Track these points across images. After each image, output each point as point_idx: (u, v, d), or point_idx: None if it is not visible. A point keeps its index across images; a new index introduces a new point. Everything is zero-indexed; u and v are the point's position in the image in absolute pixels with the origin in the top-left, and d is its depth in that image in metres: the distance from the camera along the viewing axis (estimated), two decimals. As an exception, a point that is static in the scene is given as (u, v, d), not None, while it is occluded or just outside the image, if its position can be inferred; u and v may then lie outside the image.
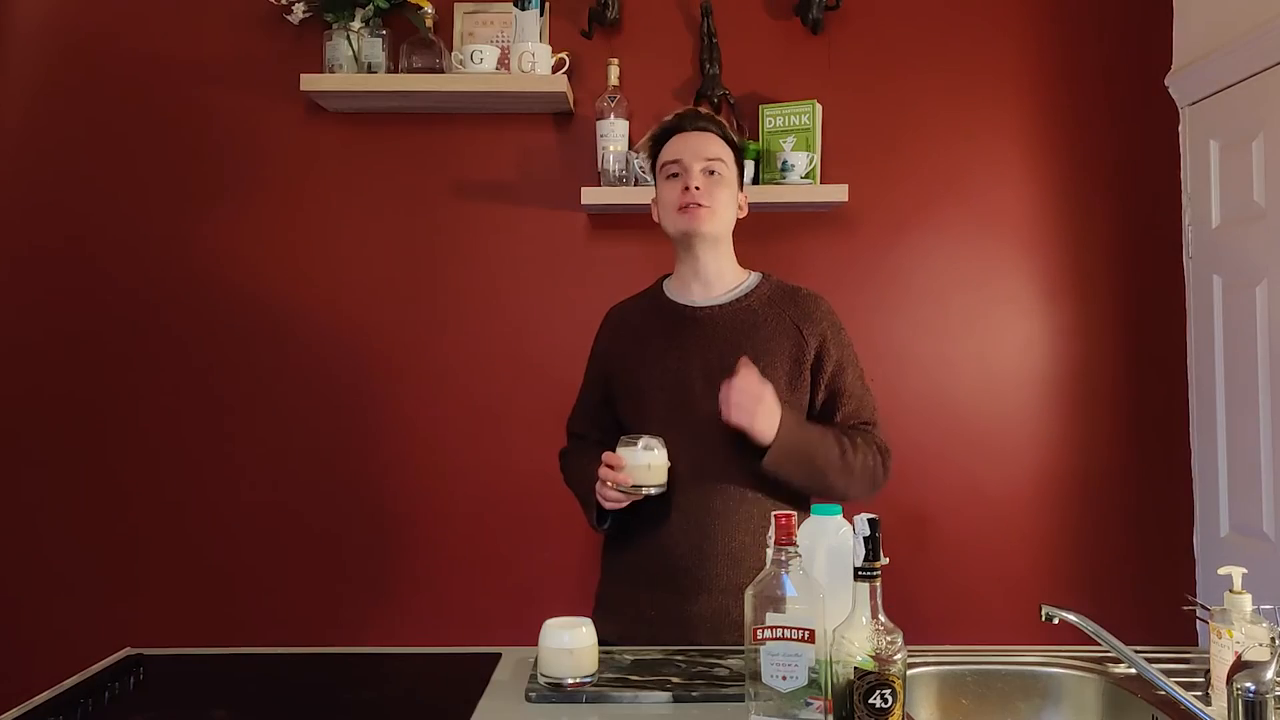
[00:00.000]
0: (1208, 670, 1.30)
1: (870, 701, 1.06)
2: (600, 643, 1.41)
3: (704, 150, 1.71)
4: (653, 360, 1.74)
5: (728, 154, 1.75)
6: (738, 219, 1.78)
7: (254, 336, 2.60)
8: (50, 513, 2.58)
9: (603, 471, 1.61)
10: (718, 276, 1.76)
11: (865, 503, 1.69)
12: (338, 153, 2.61)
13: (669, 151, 1.75)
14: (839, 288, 2.58)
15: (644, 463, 1.59)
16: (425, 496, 2.58)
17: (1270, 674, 1.03)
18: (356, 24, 2.51)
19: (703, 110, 1.79)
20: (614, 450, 1.64)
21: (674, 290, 1.80)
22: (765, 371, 1.67)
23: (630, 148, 2.52)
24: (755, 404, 1.56)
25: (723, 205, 1.72)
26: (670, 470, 1.62)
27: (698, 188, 1.69)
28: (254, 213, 2.61)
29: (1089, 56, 2.63)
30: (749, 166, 2.50)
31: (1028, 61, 2.63)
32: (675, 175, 1.72)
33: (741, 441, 1.61)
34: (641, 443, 1.60)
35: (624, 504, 1.62)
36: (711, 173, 1.71)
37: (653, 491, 1.60)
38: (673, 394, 1.70)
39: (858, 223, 2.61)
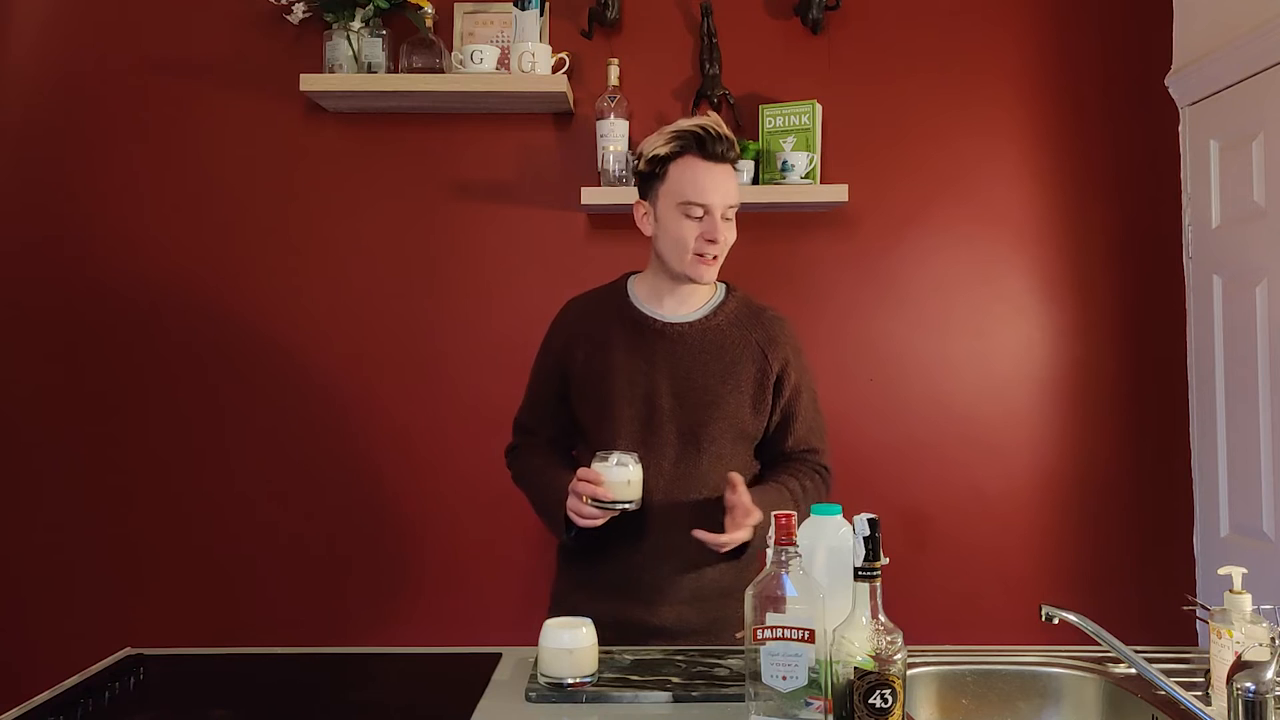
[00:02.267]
0: (1208, 670, 1.30)
1: (870, 701, 1.06)
2: None
3: (729, 196, 1.66)
4: (619, 372, 1.71)
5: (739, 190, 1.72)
6: None
7: (254, 337, 2.60)
8: (51, 513, 2.58)
9: (582, 486, 1.58)
10: (691, 292, 1.75)
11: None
12: (337, 153, 2.61)
13: (694, 186, 1.64)
14: (839, 288, 2.59)
15: (622, 479, 1.58)
16: (425, 496, 2.58)
17: (1270, 674, 1.03)
18: (356, 24, 2.51)
19: (720, 128, 1.67)
20: (576, 458, 1.64)
21: (642, 297, 1.76)
22: (730, 393, 1.69)
23: (630, 148, 2.52)
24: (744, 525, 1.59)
25: (728, 248, 1.70)
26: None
27: (720, 240, 1.65)
28: (254, 212, 2.61)
29: (1089, 56, 2.63)
30: (749, 167, 2.50)
31: (1028, 61, 2.63)
32: (698, 216, 1.64)
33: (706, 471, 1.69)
34: (615, 458, 1.58)
35: (600, 520, 1.60)
36: (727, 217, 1.67)
37: (629, 508, 1.59)
38: (641, 409, 1.69)
39: (858, 223, 2.61)
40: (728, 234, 1.68)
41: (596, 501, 1.57)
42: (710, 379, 1.69)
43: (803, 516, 1.64)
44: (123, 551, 2.57)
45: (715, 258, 1.68)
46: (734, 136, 1.70)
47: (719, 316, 1.74)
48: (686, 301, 1.74)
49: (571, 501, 1.61)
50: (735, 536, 1.58)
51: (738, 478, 1.60)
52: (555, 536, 1.76)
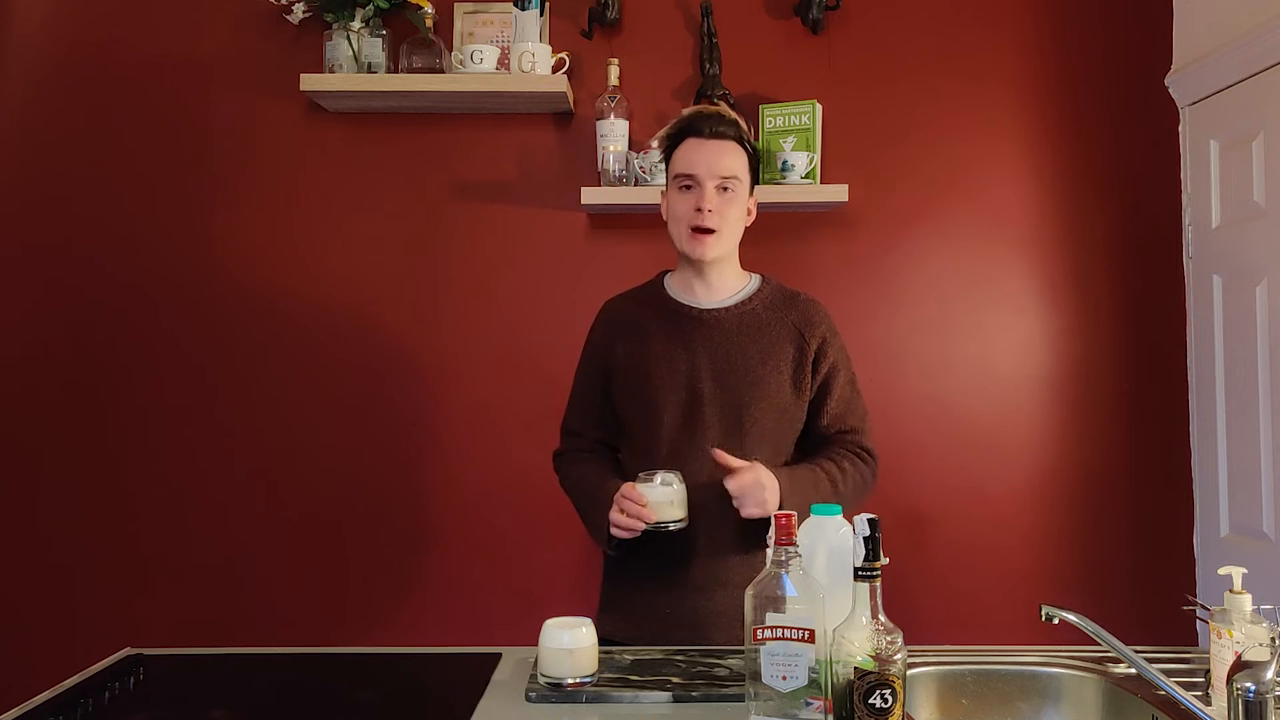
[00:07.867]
0: (1208, 670, 1.30)
1: (870, 701, 1.06)
2: (612, 643, 1.41)
3: (720, 166, 1.68)
4: (660, 360, 1.72)
5: (743, 164, 1.72)
6: (746, 227, 1.77)
7: (255, 336, 2.60)
8: (51, 512, 2.58)
9: (628, 507, 1.57)
10: (720, 280, 1.76)
11: (865, 501, 1.70)
12: (338, 152, 2.61)
13: (685, 159, 1.71)
14: (839, 288, 2.59)
15: (666, 499, 1.57)
16: (425, 496, 2.58)
17: (1270, 674, 1.03)
18: (356, 24, 2.51)
19: (721, 110, 1.74)
20: (623, 462, 1.64)
21: (677, 289, 1.79)
22: (771, 374, 1.70)
23: (630, 148, 2.52)
24: (762, 492, 1.57)
25: (732, 224, 1.71)
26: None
27: (710, 210, 1.67)
28: (254, 212, 2.61)
29: (1089, 56, 2.62)
30: (749, 166, 2.50)
31: (1028, 61, 2.63)
32: (689, 188, 1.70)
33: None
34: (660, 478, 1.58)
35: (638, 533, 1.59)
36: (725, 189, 1.69)
37: (673, 527, 1.58)
38: (683, 395, 1.70)
39: (858, 223, 2.61)
40: (725, 208, 1.69)
41: (643, 522, 1.57)
42: (750, 361, 1.70)
43: (847, 497, 1.63)
44: (123, 551, 2.57)
45: (712, 231, 1.68)
46: (736, 117, 1.73)
47: (754, 302, 1.76)
48: (718, 290, 1.76)
49: (613, 513, 1.60)
50: (738, 462, 1.58)
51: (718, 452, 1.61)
52: (598, 545, 1.73)
